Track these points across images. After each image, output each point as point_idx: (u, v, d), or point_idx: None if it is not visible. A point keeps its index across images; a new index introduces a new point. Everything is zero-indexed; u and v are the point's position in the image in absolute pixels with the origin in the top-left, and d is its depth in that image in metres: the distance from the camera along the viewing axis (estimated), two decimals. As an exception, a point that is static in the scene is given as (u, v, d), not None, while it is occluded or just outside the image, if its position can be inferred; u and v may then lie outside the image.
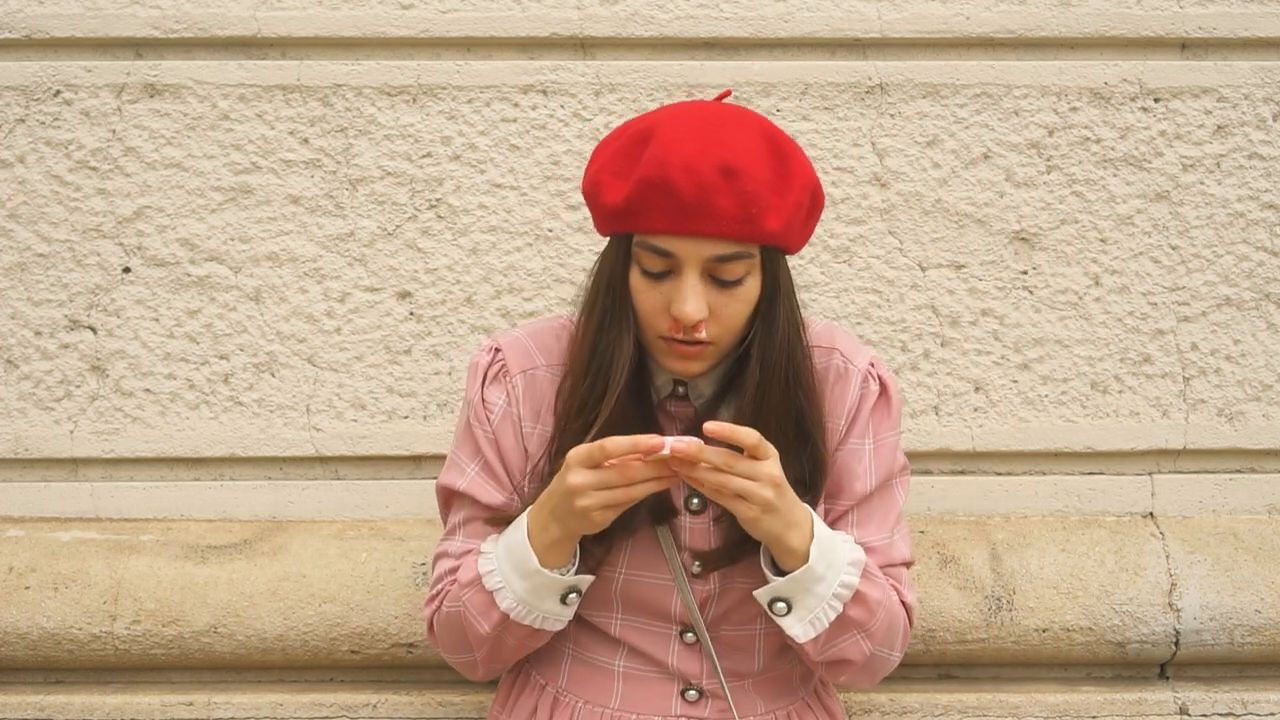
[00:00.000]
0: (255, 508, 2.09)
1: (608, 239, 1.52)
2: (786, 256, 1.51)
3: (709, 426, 1.36)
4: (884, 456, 1.60)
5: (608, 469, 1.39)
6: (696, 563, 1.56)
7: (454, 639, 1.58)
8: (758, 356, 1.49)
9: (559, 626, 1.53)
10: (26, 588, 1.97)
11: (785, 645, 1.61)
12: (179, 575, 1.97)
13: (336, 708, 1.98)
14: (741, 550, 1.53)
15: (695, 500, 1.56)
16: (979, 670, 2.03)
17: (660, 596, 1.57)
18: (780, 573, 1.48)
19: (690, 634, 1.59)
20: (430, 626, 1.63)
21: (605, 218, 1.48)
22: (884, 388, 1.61)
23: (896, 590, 1.58)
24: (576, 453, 1.41)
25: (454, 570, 1.58)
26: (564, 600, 1.50)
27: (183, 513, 2.09)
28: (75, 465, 2.09)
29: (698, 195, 1.39)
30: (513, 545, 1.49)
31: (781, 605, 1.47)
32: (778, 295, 1.49)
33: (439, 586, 1.61)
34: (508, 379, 1.60)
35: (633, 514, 1.50)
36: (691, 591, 1.56)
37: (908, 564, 1.62)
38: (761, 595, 1.49)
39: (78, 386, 2.07)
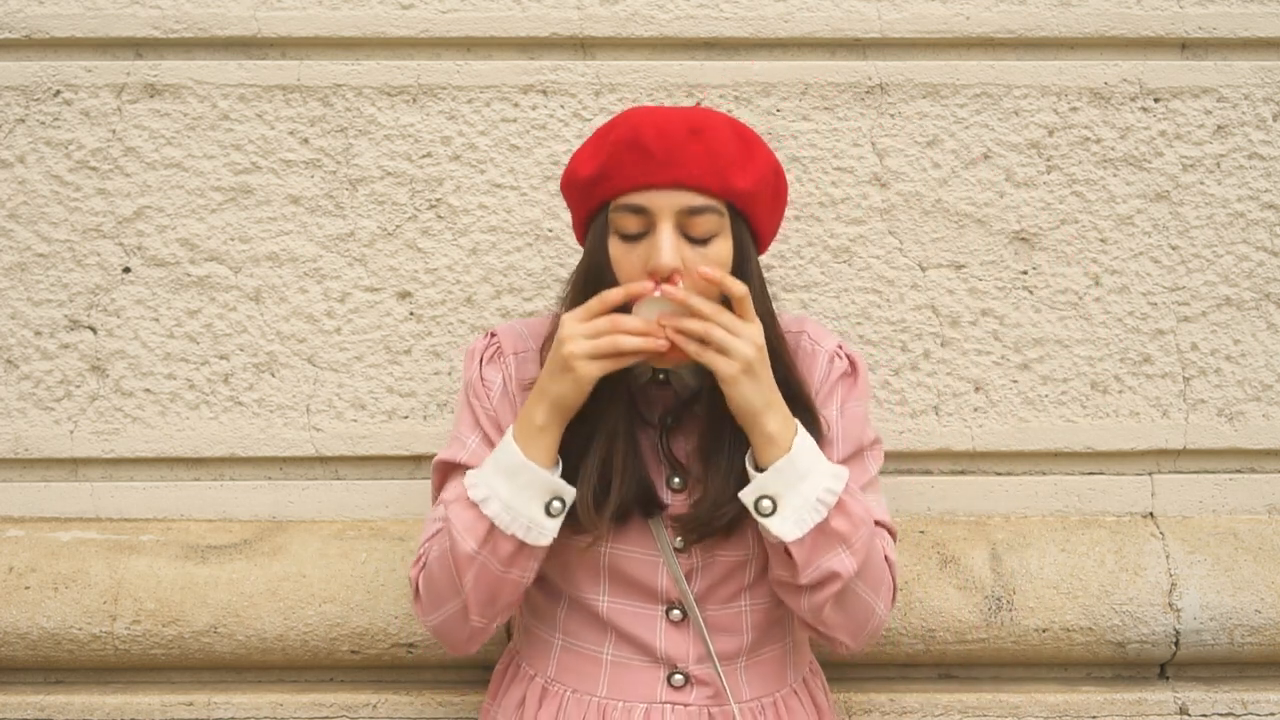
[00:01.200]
0: (255, 508, 2.09)
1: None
2: (760, 256, 1.58)
3: (702, 268, 1.45)
4: (852, 424, 1.65)
5: (598, 319, 1.45)
6: (679, 537, 1.59)
7: (440, 587, 1.55)
8: None
9: (544, 541, 1.51)
10: (26, 588, 1.97)
11: (772, 621, 1.65)
12: (179, 575, 1.97)
13: (336, 708, 1.98)
14: (724, 514, 1.54)
15: (676, 479, 1.60)
16: (979, 670, 2.03)
17: (646, 572, 1.60)
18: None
19: (677, 611, 1.61)
20: (416, 591, 1.60)
21: (581, 193, 1.55)
22: (852, 364, 1.68)
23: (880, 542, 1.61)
24: (572, 311, 1.48)
25: (440, 531, 1.57)
26: (549, 511, 1.50)
27: (183, 513, 2.09)
28: (75, 465, 2.09)
29: (666, 149, 1.47)
30: (498, 454, 1.52)
31: (767, 503, 1.49)
32: (747, 265, 1.55)
33: (425, 546, 1.60)
34: (502, 359, 1.66)
35: (617, 501, 1.54)
36: (678, 563, 1.59)
37: (889, 529, 1.65)
38: (747, 494, 1.50)
39: (78, 386, 2.07)
